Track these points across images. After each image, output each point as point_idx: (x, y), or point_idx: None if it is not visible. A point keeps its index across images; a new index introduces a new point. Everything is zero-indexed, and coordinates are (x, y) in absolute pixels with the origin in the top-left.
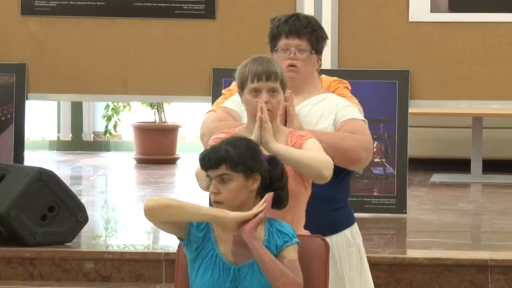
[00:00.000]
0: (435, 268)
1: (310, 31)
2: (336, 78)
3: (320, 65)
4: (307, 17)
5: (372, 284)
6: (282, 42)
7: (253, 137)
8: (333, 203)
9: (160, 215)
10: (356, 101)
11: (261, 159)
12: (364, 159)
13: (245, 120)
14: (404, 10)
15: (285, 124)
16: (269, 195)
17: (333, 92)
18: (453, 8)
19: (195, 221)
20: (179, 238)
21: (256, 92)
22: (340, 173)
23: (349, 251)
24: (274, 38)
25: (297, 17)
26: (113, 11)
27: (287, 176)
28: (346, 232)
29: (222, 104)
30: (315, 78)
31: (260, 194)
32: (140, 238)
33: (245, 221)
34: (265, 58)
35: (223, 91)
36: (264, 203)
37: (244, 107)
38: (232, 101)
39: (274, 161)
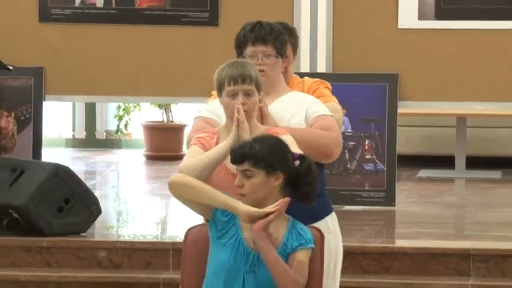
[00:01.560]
0: (421, 257)
1: (274, 37)
2: (317, 79)
3: (284, 66)
4: (270, 24)
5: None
6: (249, 49)
7: (231, 136)
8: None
9: (180, 192)
10: (335, 100)
11: (286, 158)
12: (335, 154)
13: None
14: (394, 18)
15: (262, 123)
16: (285, 200)
17: (314, 91)
18: (439, 16)
19: (210, 204)
20: (205, 219)
21: (233, 94)
22: (316, 166)
23: (329, 237)
24: (241, 46)
25: (261, 25)
26: (124, 19)
27: (316, 175)
28: (327, 219)
29: (199, 114)
30: (280, 79)
31: (286, 189)
32: (149, 229)
33: (255, 217)
34: (241, 62)
35: (212, 92)
36: (276, 206)
37: (219, 111)
38: (209, 109)
39: (303, 159)
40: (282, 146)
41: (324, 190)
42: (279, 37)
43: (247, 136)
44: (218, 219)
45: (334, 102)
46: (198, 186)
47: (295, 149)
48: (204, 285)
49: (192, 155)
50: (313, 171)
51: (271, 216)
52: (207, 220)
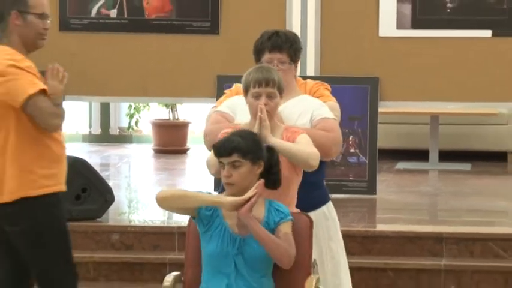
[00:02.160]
0: (400, 240)
1: (289, 46)
2: (318, 81)
3: (296, 71)
4: (285, 34)
5: (344, 250)
6: (266, 56)
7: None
8: (313, 185)
9: (169, 204)
10: (334, 99)
11: (263, 149)
12: (334, 153)
13: (238, 119)
14: (375, 27)
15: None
16: (260, 182)
17: (315, 92)
18: (415, 25)
19: (197, 205)
20: (191, 217)
21: (257, 95)
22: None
23: (327, 224)
24: (259, 53)
25: (278, 34)
26: (135, 28)
27: (280, 163)
28: (324, 208)
29: (218, 108)
30: (293, 82)
31: (260, 177)
32: (157, 215)
33: (239, 204)
34: (266, 67)
35: (226, 91)
36: (255, 189)
37: (236, 108)
38: (226, 105)
39: (271, 150)
40: (259, 139)
41: (323, 183)
42: (293, 45)
43: (268, 133)
44: (203, 214)
45: (333, 102)
46: (182, 194)
47: (311, 147)
48: (202, 276)
49: (213, 122)
50: (279, 161)
51: (253, 199)
52: (193, 217)
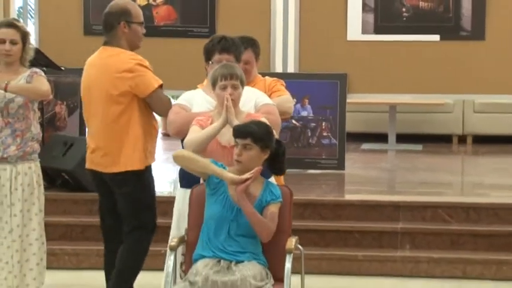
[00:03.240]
0: (364, 207)
1: (234, 49)
2: (275, 78)
3: (248, 69)
4: (232, 38)
5: None
6: (216, 56)
7: (221, 117)
8: None
9: (181, 162)
10: (288, 93)
11: (273, 140)
12: (274, 130)
13: (194, 109)
14: (344, 32)
15: None
16: (257, 169)
17: (273, 87)
18: (377, 31)
19: (203, 171)
20: (203, 180)
21: (224, 87)
22: None
23: None
24: (209, 53)
25: (226, 38)
26: (146, 33)
27: (285, 154)
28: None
29: (177, 101)
30: None
31: (265, 164)
32: (165, 186)
33: (236, 181)
34: (230, 64)
35: (198, 85)
36: (252, 173)
37: (192, 101)
38: (184, 98)
39: (279, 142)
40: (272, 130)
41: None
42: (238, 48)
43: (233, 118)
44: (211, 180)
45: (288, 95)
46: (193, 158)
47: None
48: (201, 230)
49: (193, 133)
50: (285, 153)
51: (248, 182)
52: (204, 180)
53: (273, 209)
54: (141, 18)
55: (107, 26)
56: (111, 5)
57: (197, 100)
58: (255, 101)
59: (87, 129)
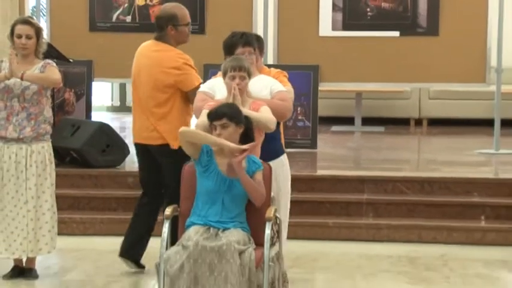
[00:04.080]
0: (335, 181)
1: (255, 43)
2: (279, 69)
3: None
4: (251, 34)
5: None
6: (240, 49)
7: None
8: (273, 139)
9: (187, 136)
10: (290, 85)
11: (243, 116)
12: (288, 116)
13: (217, 96)
14: (316, 29)
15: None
16: (252, 144)
17: (277, 78)
18: (345, 28)
19: (206, 143)
20: (193, 159)
21: (232, 78)
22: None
23: (284, 169)
24: (232, 47)
25: (246, 34)
26: (144, 29)
27: (253, 127)
28: (282, 158)
29: (201, 89)
30: (253, 66)
31: (240, 138)
32: None
33: (236, 150)
34: (239, 57)
35: (212, 77)
36: (249, 145)
37: (215, 88)
38: (207, 86)
39: (247, 118)
40: (240, 110)
41: (279, 138)
42: (258, 42)
43: (239, 104)
44: (202, 158)
45: (290, 86)
46: (197, 132)
47: (270, 115)
48: (195, 202)
49: (203, 116)
50: (252, 127)
51: (246, 153)
52: (194, 159)
53: (259, 177)
54: (187, 20)
55: (157, 27)
56: (161, 9)
57: (219, 87)
58: (270, 88)
59: (132, 108)
